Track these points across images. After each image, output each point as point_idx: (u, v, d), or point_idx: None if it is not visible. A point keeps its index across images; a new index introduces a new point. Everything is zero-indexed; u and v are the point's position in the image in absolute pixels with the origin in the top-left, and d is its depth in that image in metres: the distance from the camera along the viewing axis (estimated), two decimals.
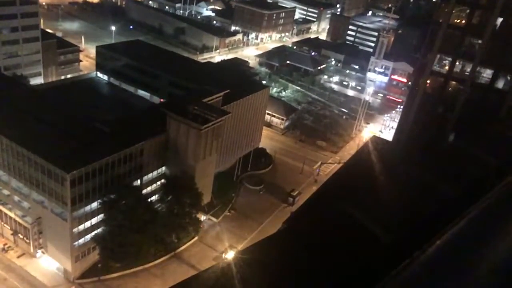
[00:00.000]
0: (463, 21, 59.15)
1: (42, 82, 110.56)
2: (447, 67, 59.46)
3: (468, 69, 57.73)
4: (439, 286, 8.42)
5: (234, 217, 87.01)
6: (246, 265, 10.31)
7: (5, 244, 72.00)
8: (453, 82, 60.30)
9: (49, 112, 74.79)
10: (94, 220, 66.62)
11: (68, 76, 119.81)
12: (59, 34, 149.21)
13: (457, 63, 59.05)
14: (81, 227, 65.41)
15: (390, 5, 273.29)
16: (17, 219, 69.90)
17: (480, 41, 56.12)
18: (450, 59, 58.87)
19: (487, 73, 57.56)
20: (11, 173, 67.44)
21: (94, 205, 65.31)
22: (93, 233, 67.30)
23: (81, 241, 66.39)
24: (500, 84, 57.35)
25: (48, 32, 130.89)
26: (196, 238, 78.57)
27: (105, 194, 64.80)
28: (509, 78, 56.95)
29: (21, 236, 70.49)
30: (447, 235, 9.53)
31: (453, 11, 57.59)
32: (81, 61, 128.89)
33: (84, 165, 61.15)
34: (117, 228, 65.11)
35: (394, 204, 14.27)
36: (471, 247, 9.06)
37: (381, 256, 9.37)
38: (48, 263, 69.63)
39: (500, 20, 54.17)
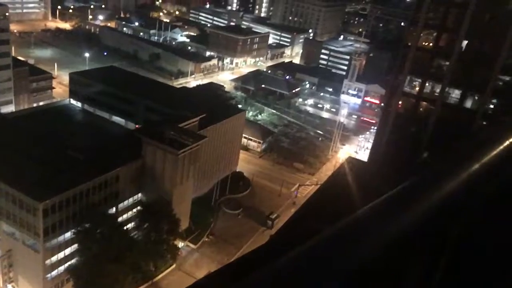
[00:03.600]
0: (431, 44, 61.27)
1: (14, 110, 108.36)
2: (417, 88, 61.17)
3: (438, 90, 59.51)
4: None
5: (212, 243, 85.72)
6: None
7: None
8: (424, 103, 61.98)
9: (20, 140, 72.95)
10: (68, 251, 64.61)
11: (41, 103, 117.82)
12: (31, 61, 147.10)
13: (427, 84, 60.86)
14: (54, 258, 63.28)
15: (361, 30, 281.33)
16: None
17: (447, 63, 58.13)
18: (420, 80, 60.64)
19: (455, 93, 59.41)
20: None
21: (68, 235, 63.43)
22: (67, 264, 65.09)
23: (54, 273, 64.06)
24: (468, 103, 59.22)
25: (20, 60, 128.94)
26: (174, 265, 76.93)
27: (79, 223, 63.08)
28: (476, 98, 58.90)
29: None
30: None
31: (421, 35, 59.69)
32: (54, 88, 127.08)
33: (57, 194, 59.61)
34: (92, 258, 63.21)
35: None
36: None
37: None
38: None
39: (465, 42, 56.39)
